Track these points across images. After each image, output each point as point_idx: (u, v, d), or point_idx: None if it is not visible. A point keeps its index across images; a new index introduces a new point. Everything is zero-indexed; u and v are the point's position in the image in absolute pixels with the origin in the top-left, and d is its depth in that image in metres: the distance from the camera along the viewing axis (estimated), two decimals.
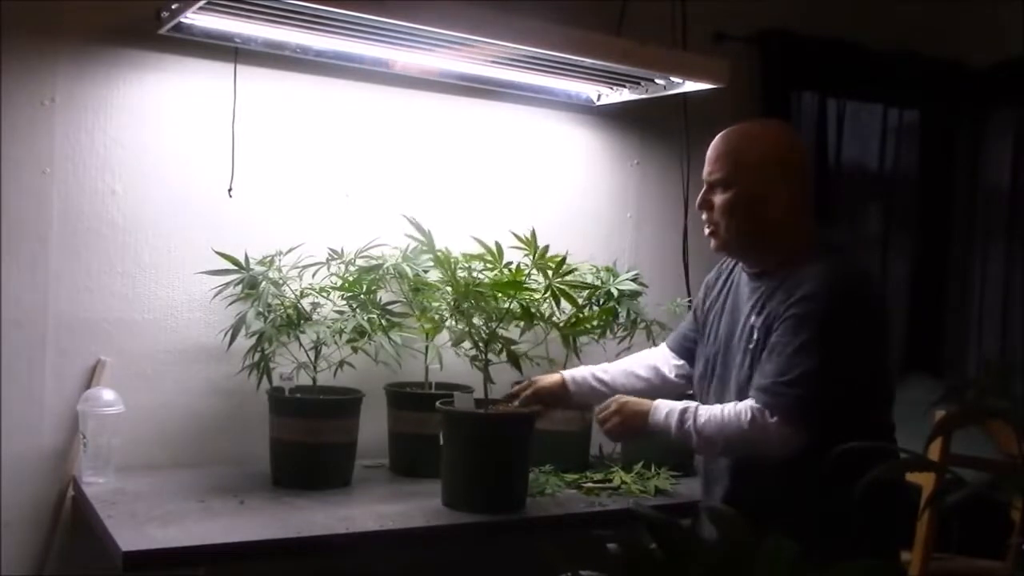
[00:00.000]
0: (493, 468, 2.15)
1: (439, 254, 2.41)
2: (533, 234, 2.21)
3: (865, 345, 1.87)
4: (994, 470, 2.22)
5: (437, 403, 2.18)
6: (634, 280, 2.74)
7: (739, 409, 1.85)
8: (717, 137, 1.97)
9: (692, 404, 1.94)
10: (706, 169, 1.97)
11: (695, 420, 1.90)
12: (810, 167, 2.00)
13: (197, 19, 2.20)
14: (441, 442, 2.14)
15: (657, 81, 2.57)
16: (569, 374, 2.24)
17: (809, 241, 1.93)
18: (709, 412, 1.90)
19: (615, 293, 2.66)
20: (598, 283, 2.69)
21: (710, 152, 1.97)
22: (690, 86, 2.57)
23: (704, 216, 1.98)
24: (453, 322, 2.30)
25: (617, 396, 2.07)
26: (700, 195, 1.98)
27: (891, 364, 2.07)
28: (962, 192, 3.63)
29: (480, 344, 2.19)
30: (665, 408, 1.95)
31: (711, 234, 1.97)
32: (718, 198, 1.93)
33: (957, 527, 2.74)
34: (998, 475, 1.19)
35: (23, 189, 2.24)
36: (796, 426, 1.80)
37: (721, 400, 1.96)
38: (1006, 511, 2.47)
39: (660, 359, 2.25)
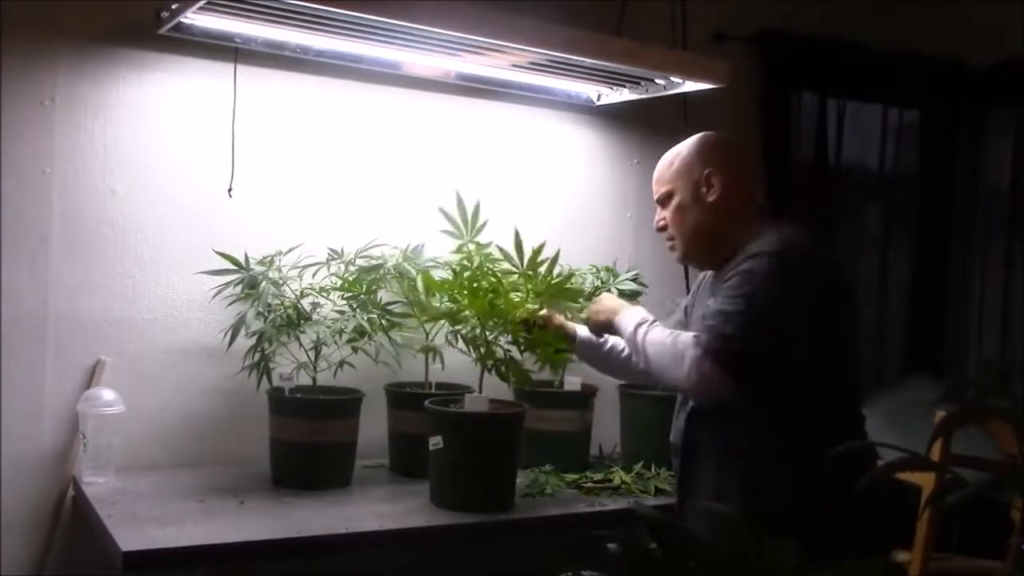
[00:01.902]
0: (480, 468, 2.15)
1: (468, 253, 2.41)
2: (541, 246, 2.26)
3: (807, 302, 1.87)
4: (994, 470, 2.22)
5: (426, 402, 2.19)
6: (634, 280, 2.74)
7: (681, 335, 1.95)
8: (659, 162, 2.13)
9: (652, 317, 2.09)
10: (654, 191, 2.12)
11: (647, 331, 2.03)
12: (750, 163, 2.14)
13: (197, 19, 2.20)
14: (431, 444, 2.14)
15: (657, 81, 2.57)
16: (583, 332, 2.36)
17: (760, 228, 1.98)
18: (661, 329, 2.02)
19: (615, 293, 2.66)
20: (598, 283, 2.70)
21: (654, 176, 2.13)
22: (690, 86, 2.58)
23: (664, 236, 2.11)
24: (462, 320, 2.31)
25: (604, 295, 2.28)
26: (655, 218, 2.12)
27: (854, 335, 2.09)
28: (962, 192, 3.63)
29: (482, 347, 2.21)
30: (634, 313, 2.11)
31: (672, 248, 2.11)
32: (669, 212, 2.07)
33: (957, 527, 2.74)
34: (998, 475, 1.18)
35: (23, 189, 2.24)
36: (716, 359, 1.83)
37: (695, 412, 2.01)
38: (1006, 511, 2.47)
39: None
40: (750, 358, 1.84)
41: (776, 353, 1.85)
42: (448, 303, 2.33)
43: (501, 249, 2.37)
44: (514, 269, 2.31)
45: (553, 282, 2.27)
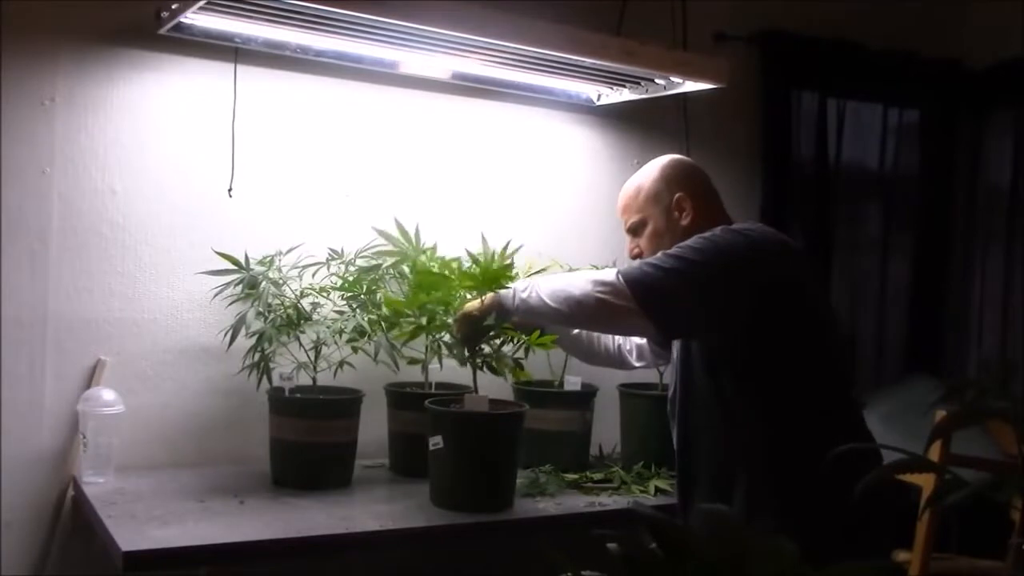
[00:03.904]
0: (480, 468, 2.15)
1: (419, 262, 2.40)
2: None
3: (748, 275, 1.89)
4: (994, 470, 2.22)
5: (426, 402, 2.18)
6: None
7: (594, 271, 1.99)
8: (619, 194, 2.17)
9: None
10: (623, 220, 2.15)
11: (539, 282, 2.04)
12: (706, 178, 2.15)
13: (197, 19, 2.20)
14: (431, 444, 2.14)
15: (657, 81, 2.57)
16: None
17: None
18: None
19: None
20: None
21: (618, 208, 2.16)
22: (690, 86, 2.57)
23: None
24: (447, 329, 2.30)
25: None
26: (627, 248, 2.15)
27: (832, 331, 2.09)
28: (962, 192, 3.63)
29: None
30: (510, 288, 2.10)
31: None
32: (643, 240, 2.10)
33: (957, 527, 2.74)
34: (998, 475, 1.18)
35: (23, 189, 2.24)
36: (630, 285, 1.85)
37: (686, 412, 2.03)
38: (1006, 511, 2.47)
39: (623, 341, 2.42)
40: (668, 291, 1.85)
41: (702, 304, 1.87)
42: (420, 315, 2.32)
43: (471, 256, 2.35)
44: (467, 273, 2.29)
45: (491, 269, 2.23)
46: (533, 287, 2.03)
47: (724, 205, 2.14)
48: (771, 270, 1.91)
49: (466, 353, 2.24)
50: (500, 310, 2.12)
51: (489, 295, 2.15)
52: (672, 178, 2.09)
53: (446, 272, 2.33)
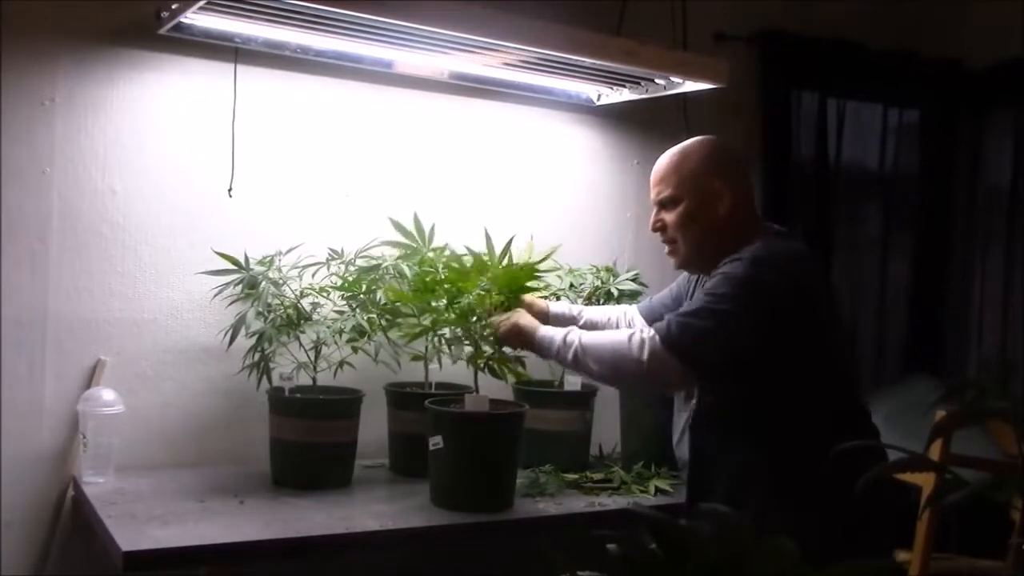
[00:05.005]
0: (480, 468, 2.15)
1: (431, 257, 2.40)
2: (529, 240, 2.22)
3: (784, 309, 1.88)
4: (994, 470, 2.22)
5: (426, 402, 2.18)
6: (634, 280, 2.74)
7: (630, 330, 1.92)
8: (658, 160, 2.09)
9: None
10: (653, 192, 2.08)
11: (580, 336, 1.98)
12: (747, 169, 2.13)
13: (197, 19, 2.20)
14: (431, 444, 2.14)
15: (657, 81, 2.57)
16: (555, 308, 2.37)
17: (754, 232, 1.99)
18: (597, 332, 2.01)
19: (615, 293, 2.66)
20: (598, 283, 2.70)
21: (654, 175, 2.08)
22: (690, 86, 2.58)
23: (661, 237, 2.08)
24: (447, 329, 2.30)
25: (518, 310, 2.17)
26: (652, 218, 2.09)
27: (841, 339, 2.11)
28: (962, 192, 3.62)
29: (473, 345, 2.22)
30: (555, 329, 2.05)
31: (671, 252, 2.08)
32: (671, 216, 2.03)
33: (957, 527, 2.74)
34: (998, 475, 1.19)
35: (23, 189, 2.24)
36: (677, 354, 1.83)
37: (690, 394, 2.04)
38: (1006, 511, 2.47)
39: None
40: (716, 354, 1.84)
41: (748, 352, 1.86)
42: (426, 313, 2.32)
43: (469, 251, 2.34)
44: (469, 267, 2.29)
45: (506, 267, 2.25)
46: (575, 343, 1.97)
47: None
48: (798, 305, 1.91)
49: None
50: (530, 348, 2.09)
51: (520, 323, 2.10)
52: (718, 163, 2.02)
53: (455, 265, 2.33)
